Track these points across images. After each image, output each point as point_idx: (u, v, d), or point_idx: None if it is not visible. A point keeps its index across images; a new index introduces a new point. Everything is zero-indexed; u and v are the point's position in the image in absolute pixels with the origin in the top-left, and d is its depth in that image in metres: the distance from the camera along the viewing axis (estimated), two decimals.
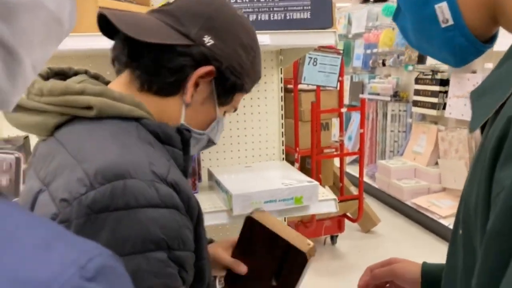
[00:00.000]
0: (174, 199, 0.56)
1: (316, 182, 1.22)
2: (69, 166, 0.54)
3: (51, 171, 0.56)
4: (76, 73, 0.72)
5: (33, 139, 1.25)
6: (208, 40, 0.67)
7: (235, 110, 0.79)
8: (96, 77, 0.73)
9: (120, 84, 0.69)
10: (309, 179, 1.25)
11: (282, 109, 1.58)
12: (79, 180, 0.52)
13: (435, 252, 3.27)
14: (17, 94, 0.34)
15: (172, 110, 0.70)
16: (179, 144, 0.68)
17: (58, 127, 0.62)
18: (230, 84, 0.71)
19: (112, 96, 0.63)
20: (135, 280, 0.49)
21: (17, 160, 1.04)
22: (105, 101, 0.61)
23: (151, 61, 0.66)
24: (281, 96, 1.57)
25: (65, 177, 0.53)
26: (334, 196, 1.29)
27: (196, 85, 0.68)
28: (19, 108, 0.63)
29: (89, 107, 0.61)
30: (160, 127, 0.65)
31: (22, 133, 1.33)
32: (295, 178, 1.26)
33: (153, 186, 0.54)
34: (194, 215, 0.61)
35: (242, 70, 0.71)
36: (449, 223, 3.31)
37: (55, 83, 0.62)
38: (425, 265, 0.77)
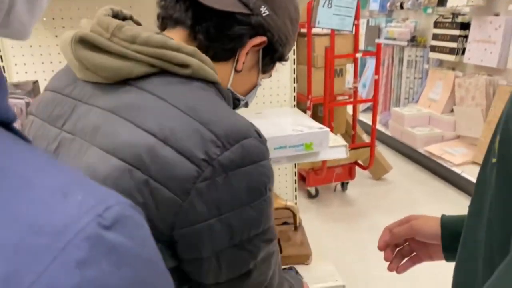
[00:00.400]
0: (268, 152, 0.64)
1: (327, 129, 1.20)
2: (189, 125, 0.58)
3: (165, 126, 0.58)
4: (124, 18, 0.72)
5: (42, 84, 1.24)
6: (264, 11, 0.70)
7: (270, 76, 0.83)
8: (139, 24, 0.75)
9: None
10: (320, 125, 1.24)
11: (294, 54, 1.54)
12: (212, 142, 0.57)
13: (446, 199, 3.30)
14: (34, 23, 0.35)
15: (222, 75, 0.72)
16: None
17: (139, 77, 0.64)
18: (277, 55, 0.76)
19: (201, 58, 0.65)
20: (263, 217, 0.62)
21: (27, 105, 1.04)
22: (199, 63, 0.64)
23: (214, 27, 0.68)
24: None
25: (190, 136, 0.57)
26: (344, 143, 1.28)
27: (247, 53, 0.72)
28: (96, 48, 0.62)
29: (184, 65, 0.63)
30: (227, 93, 0.70)
31: (31, 78, 1.33)
32: (306, 125, 1.24)
33: (261, 142, 0.62)
34: None
35: (287, 41, 0.76)
36: (462, 170, 3.30)
37: (152, 35, 0.64)
38: (444, 217, 0.76)
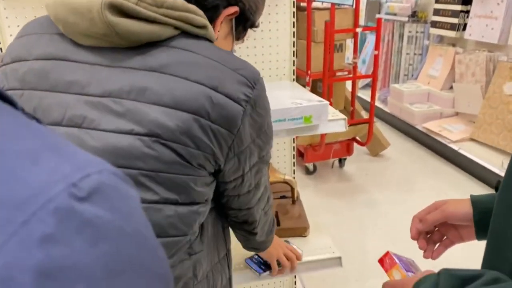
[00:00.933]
0: None
1: (326, 102, 1.20)
2: (226, 72, 0.68)
3: (210, 76, 0.66)
4: None
5: None
6: None
7: (243, 42, 0.90)
8: None
9: None
10: (319, 98, 1.23)
11: (293, 26, 1.52)
12: (245, 84, 0.68)
13: (443, 176, 3.33)
14: None
15: None
16: None
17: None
18: (249, 23, 0.82)
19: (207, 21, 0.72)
20: (272, 135, 0.78)
21: None
22: (209, 25, 0.71)
23: None
24: (293, 12, 1.49)
25: (231, 81, 0.67)
26: (343, 116, 1.27)
27: (221, 22, 0.77)
28: (123, 14, 0.63)
29: (203, 27, 0.70)
30: None
31: None
32: (305, 98, 1.24)
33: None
34: None
35: (257, 9, 0.82)
36: (459, 147, 3.32)
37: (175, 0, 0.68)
38: (473, 196, 0.78)
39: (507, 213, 0.56)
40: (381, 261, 0.83)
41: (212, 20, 0.75)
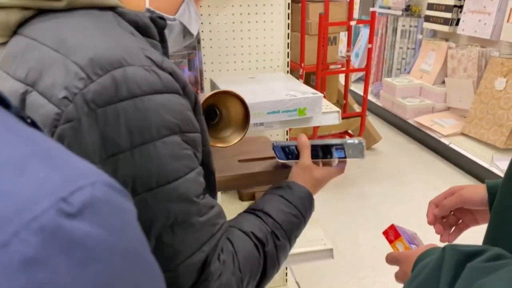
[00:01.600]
0: (174, 84, 0.53)
1: (320, 94, 1.20)
2: (55, 60, 0.49)
3: (32, 68, 0.50)
4: None
5: None
6: None
7: None
8: None
9: None
10: (313, 90, 1.23)
11: (288, 18, 1.51)
12: (75, 75, 0.47)
13: (434, 170, 3.35)
14: None
15: None
16: (156, 35, 0.62)
17: (20, 24, 0.55)
18: None
19: None
20: (158, 167, 0.50)
21: None
22: None
23: None
24: (288, 4, 1.49)
25: (54, 73, 0.48)
26: (337, 109, 1.27)
27: None
28: None
29: None
30: (138, 16, 0.59)
31: None
32: (299, 90, 1.24)
33: (153, 71, 0.51)
34: (192, 101, 0.58)
35: None
36: (450, 142, 3.34)
37: None
38: (489, 182, 0.79)
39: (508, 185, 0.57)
40: (385, 233, 0.84)
41: None
